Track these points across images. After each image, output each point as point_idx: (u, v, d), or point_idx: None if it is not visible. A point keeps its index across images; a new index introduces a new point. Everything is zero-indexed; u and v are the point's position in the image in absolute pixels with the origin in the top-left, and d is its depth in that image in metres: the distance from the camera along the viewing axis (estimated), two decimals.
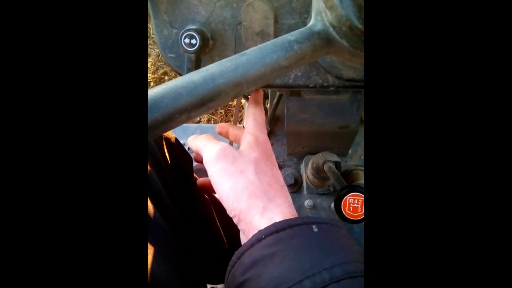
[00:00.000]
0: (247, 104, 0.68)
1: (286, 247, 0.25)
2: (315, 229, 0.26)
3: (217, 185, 0.30)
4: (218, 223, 0.62)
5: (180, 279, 0.38)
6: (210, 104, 0.23)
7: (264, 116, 0.36)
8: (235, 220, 0.29)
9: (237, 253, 0.27)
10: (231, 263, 0.28)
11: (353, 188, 0.38)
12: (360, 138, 0.76)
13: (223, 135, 0.41)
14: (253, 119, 0.35)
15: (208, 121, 1.40)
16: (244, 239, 0.30)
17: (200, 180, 0.40)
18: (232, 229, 0.72)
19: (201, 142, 0.33)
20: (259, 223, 0.27)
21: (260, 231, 0.26)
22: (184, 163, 0.56)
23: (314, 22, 0.25)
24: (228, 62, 0.23)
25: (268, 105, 0.82)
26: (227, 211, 0.30)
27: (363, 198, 0.38)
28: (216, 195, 0.89)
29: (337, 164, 0.59)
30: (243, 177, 0.29)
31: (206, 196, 0.60)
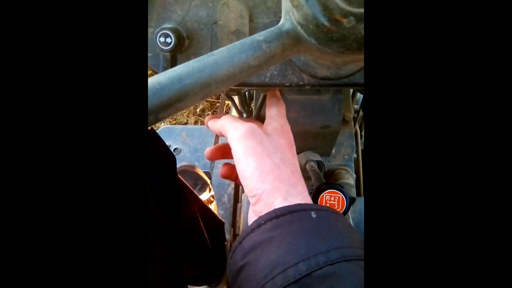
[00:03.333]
0: (232, 105, 0.68)
1: (284, 231, 0.25)
2: (314, 215, 0.26)
3: (242, 162, 0.30)
4: (201, 224, 0.62)
5: (161, 277, 0.38)
6: (178, 105, 0.23)
7: (285, 109, 0.37)
8: (253, 200, 0.29)
9: (238, 238, 0.28)
10: (232, 248, 0.28)
11: (330, 186, 0.39)
12: (343, 138, 0.76)
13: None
14: (277, 110, 0.36)
15: (195, 122, 1.39)
16: (250, 219, 0.31)
17: (224, 170, 0.39)
18: (215, 229, 0.72)
19: (226, 121, 0.33)
20: (281, 206, 0.27)
21: (260, 217, 0.27)
22: (168, 163, 0.56)
23: (283, 21, 0.26)
24: (195, 63, 0.23)
25: (253, 105, 0.82)
26: (247, 190, 0.30)
27: (340, 196, 0.38)
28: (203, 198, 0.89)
29: (319, 164, 0.60)
30: (269, 160, 0.30)
31: (189, 196, 0.60)
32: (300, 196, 0.29)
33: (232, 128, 0.32)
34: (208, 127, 0.36)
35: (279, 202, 0.28)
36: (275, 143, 0.32)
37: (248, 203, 0.79)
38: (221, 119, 0.34)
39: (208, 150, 0.40)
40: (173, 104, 0.22)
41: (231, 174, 0.39)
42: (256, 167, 0.29)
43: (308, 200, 0.29)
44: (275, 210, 0.27)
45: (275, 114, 0.35)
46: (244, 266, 0.26)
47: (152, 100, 0.22)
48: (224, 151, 0.40)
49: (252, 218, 0.31)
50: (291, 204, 0.27)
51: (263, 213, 0.28)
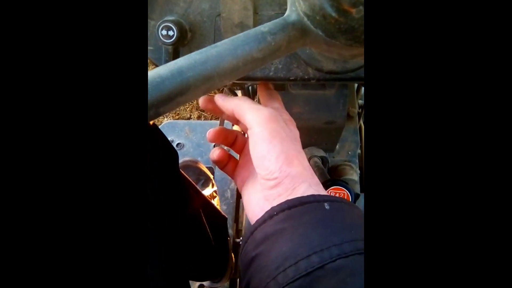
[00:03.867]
0: None
1: (296, 223, 0.25)
2: (327, 207, 0.26)
3: (266, 143, 0.28)
4: (204, 219, 0.62)
5: (161, 275, 0.37)
6: (180, 99, 0.22)
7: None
8: (271, 183, 0.28)
9: (250, 228, 0.28)
10: (244, 238, 0.28)
11: (335, 182, 0.38)
12: (347, 134, 0.76)
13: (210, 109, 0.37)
14: (278, 103, 0.35)
15: (199, 117, 1.39)
16: (257, 205, 0.30)
17: (219, 153, 0.37)
18: (217, 225, 0.72)
19: (244, 102, 0.31)
20: (306, 192, 0.27)
21: (272, 208, 0.27)
22: (170, 159, 0.56)
23: (289, 12, 0.25)
24: (197, 55, 0.23)
25: (256, 100, 0.82)
26: (266, 172, 0.28)
27: (345, 192, 0.37)
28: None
29: (323, 159, 0.59)
30: (293, 146, 0.29)
31: (192, 191, 0.60)
32: (319, 186, 0.29)
33: (253, 109, 0.30)
34: (218, 103, 0.33)
35: (304, 187, 0.28)
36: (294, 133, 0.32)
37: None
38: (236, 98, 0.32)
39: (211, 130, 0.37)
40: (174, 98, 0.22)
41: (224, 159, 0.37)
42: (282, 150, 0.28)
43: (323, 191, 0.29)
44: (287, 201, 0.26)
45: (278, 106, 0.35)
46: (255, 257, 0.26)
47: (152, 94, 0.21)
48: (226, 137, 0.38)
49: (261, 203, 0.30)
50: (312, 193, 0.27)
51: (282, 197, 0.27)
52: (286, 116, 0.34)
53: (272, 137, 0.29)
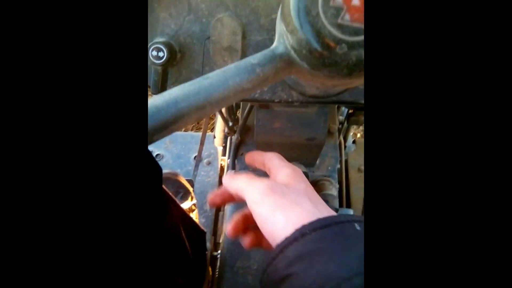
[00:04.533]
0: (219, 114, 0.68)
1: (332, 244, 0.25)
2: (358, 228, 0.25)
3: (269, 220, 0.27)
4: (183, 233, 0.61)
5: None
6: (173, 127, 0.23)
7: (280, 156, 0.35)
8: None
9: (278, 245, 0.26)
10: (271, 255, 0.27)
11: None
12: (327, 149, 0.78)
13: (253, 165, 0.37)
14: (276, 158, 0.34)
15: None
16: None
17: (251, 239, 0.35)
18: (196, 239, 0.71)
19: (242, 181, 0.31)
20: None
21: (303, 226, 0.26)
22: (152, 171, 0.55)
23: (277, 44, 0.26)
24: (191, 86, 0.24)
25: (239, 115, 0.83)
26: (274, 238, 0.27)
27: None
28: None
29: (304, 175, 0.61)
30: (299, 209, 0.28)
31: (172, 205, 0.60)
32: None
33: (249, 190, 0.30)
34: (224, 184, 0.33)
35: None
36: (298, 191, 0.30)
37: (232, 211, 0.79)
38: (237, 178, 0.32)
39: (211, 196, 0.36)
40: (168, 126, 0.23)
41: (240, 230, 0.35)
42: (286, 221, 0.27)
43: None
44: (319, 220, 0.26)
45: (278, 162, 0.34)
46: (289, 276, 0.25)
47: (148, 123, 0.22)
48: (227, 196, 0.36)
49: None
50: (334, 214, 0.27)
51: None
52: (286, 169, 0.32)
53: (273, 210, 0.28)
